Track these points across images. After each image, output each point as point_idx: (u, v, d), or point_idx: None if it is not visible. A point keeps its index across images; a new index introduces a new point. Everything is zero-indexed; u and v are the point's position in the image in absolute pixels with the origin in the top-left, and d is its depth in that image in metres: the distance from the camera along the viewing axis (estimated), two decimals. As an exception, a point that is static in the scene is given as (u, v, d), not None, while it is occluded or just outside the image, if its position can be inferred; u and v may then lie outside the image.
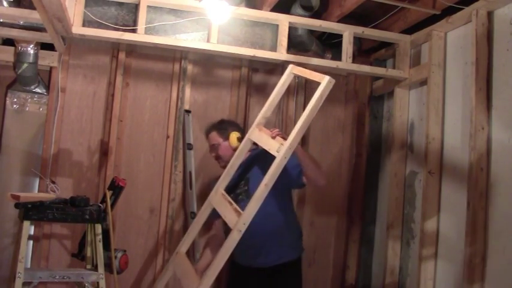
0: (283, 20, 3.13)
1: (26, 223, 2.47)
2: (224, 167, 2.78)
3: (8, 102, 3.24)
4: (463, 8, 2.81)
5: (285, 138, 2.47)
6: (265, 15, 3.11)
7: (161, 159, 3.41)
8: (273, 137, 2.54)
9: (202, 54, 3.35)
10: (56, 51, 3.15)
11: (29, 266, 3.04)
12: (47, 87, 3.26)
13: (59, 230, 3.23)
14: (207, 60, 3.51)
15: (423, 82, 3.24)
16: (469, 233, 2.57)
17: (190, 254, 3.34)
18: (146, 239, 3.38)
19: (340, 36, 3.28)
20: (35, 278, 2.52)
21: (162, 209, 3.39)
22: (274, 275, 2.73)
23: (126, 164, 3.36)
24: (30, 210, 2.48)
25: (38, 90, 3.24)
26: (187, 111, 3.45)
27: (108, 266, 2.65)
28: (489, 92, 2.67)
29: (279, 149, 2.43)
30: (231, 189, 2.75)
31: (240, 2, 3.06)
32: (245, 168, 2.79)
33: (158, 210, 3.39)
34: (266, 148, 2.56)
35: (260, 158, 2.75)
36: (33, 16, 2.60)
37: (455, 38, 3.03)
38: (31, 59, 3.04)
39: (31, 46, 3.03)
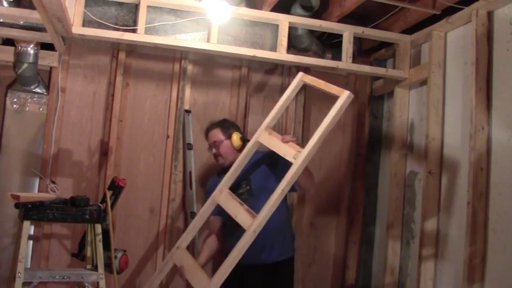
0: (283, 20, 3.13)
1: (26, 223, 2.47)
2: (223, 164, 2.83)
3: (8, 102, 3.24)
4: (463, 8, 2.81)
5: (299, 145, 2.52)
6: (265, 15, 3.11)
7: (161, 159, 3.41)
8: (285, 142, 2.57)
9: (202, 54, 3.35)
10: (56, 51, 3.15)
11: (29, 266, 3.04)
12: (47, 87, 3.26)
13: (59, 230, 3.23)
14: (207, 60, 3.51)
15: (423, 82, 3.24)
16: (469, 233, 2.57)
17: (190, 253, 3.34)
18: (146, 239, 3.37)
19: (340, 36, 3.28)
20: (35, 278, 2.51)
21: (162, 209, 3.39)
22: (273, 271, 2.78)
23: (126, 164, 3.36)
24: (30, 210, 2.48)
25: (38, 90, 3.24)
26: (187, 111, 3.45)
27: (108, 266, 2.65)
28: (489, 92, 2.67)
29: (296, 156, 2.47)
30: (232, 189, 2.76)
31: (240, 2, 3.06)
32: (245, 169, 2.80)
33: (158, 210, 3.39)
34: (280, 153, 2.59)
35: (262, 160, 2.79)
36: (33, 16, 2.60)
37: (455, 38, 3.03)
38: (31, 59, 3.04)
39: (31, 46, 3.03)
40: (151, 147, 3.42)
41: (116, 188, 2.77)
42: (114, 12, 2.95)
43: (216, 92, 3.56)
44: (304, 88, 3.66)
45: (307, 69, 3.39)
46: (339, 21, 3.20)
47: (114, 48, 3.36)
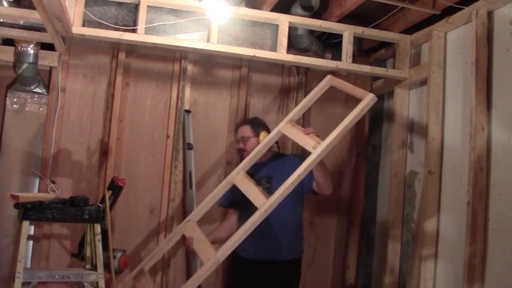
0: (283, 20, 3.12)
1: (25, 223, 2.47)
2: (243, 159, 2.92)
3: (8, 102, 3.24)
4: (463, 8, 2.81)
5: (319, 137, 2.65)
6: (265, 15, 3.11)
7: (161, 159, 3.41)
8: (307, 134, 2.71)
9: (202, 54, 3.35)
10: (56, 51, 3.15)
11: (29, 266, 3.04)
12: (47, 87, 3.26)
13: (58, 230, 3.23)
14: (207, 60, 3.51)
15: (423, 82, 3.24)
16: (469, 233, 2.57)
17: (191, 253, 3.34)
18: (146, 239, 3.37)
19: (340, 36, 3.27)
20: (35, 278, 2.52)
21: (162, 209, 3.39)
22: (284, 269, 2.87)
23: (126, 164, 3.36)
24: (30, 210, 2.48)
25: (38, 90, 3.24)
26: (187, 111, 3.45)
27: (107, 266, 2.65)
28: (489, 92, 2.67)
29: (315, 146, 2.60)
30: (253, 182, 2.85)
31: (240, 2, 3.06)
32: (268, 168, 2.93)
33: (158, 210, 3.39)
34: (300, 143, 2.73)
35: (285, 163, 2.91)
36: (33, 16, 2.60)
37: (455, 38, 3.03)
38: (31, 59, 3.04)
39: (31, 46, 3.04)
40: (151, 147, 3.42)
41: (116, 188, 2.77)
42: (114, 12, 2.95)
43: (216, 92, 3.56)
44: (305, 89, 3.67)
45: (333, 72, 3.33)
46: (339, 21, 3.19)
47: (114, 48, 3.36)
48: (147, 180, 3.39)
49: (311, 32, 3.32)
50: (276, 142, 3.08)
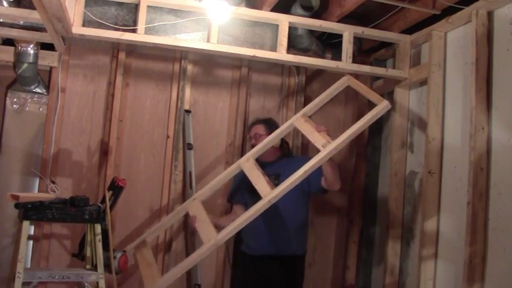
0: (283, 20, 3.12)
1: (26, 223, 2.47)
2: (253, 146, 3.06)
3: (8, 102, 3.24)
4: (463, 8, 2.81)
5: (330, 136, 2.75)
6: (265, 15, 3.11)
7: (161, 159, 3.42)
8: (319, 131, 2.81)
9: (202, 54, 3.35)
10: (56, 51, 3.15)
11: (29, 266, 3.04)
12: (47, 87, 3.26)
13: (59, 230, 3.23)
14: (207, 60, 3.51)
15: (423, 82, 3.24)
16: (469, 233, 2.57)
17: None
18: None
19: (340, 36, 3.27)
20: (35, 278, 2.51)
21: (162, 209, 3.39)
22: (289, 265, 2.96)
23: (126, 164, 3.36)
24: (30, 210, 2.48)
25: (38, 90, 3.24)
26: (187, 111, 3.45)
27: (107, 267, 2.65)
28: (489, 92, 2.67)
29: (325, 145, 2.70)
30: None
31: (240, 2, 3.06)
32: (276, 166, 3.01)
33: (158, 210, 3.39)
34: (311, 139, 2.84)
35: (294, 162, 2.95)
36: (33, 16, 2.60)
37: (455, 38, 3.03)
38: (31, 59, 3.04)
39: (31, 46, 3.03)
40: (151, 147, 3.42)
41: (116, 188, 2.77)
42: (114, 12, 2.95)
43: (216, 92, 3.56)
44: (305, 89, 3.67)
45: (351, 74, 3.34)
46: (339, 21, 3.19)
47: (114, 48, 3.36)
48: (147, 180, 3.39)
49: (311, 32, 3.32)
50: (287, 143, 3.21)
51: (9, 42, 3.09)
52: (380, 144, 3.77)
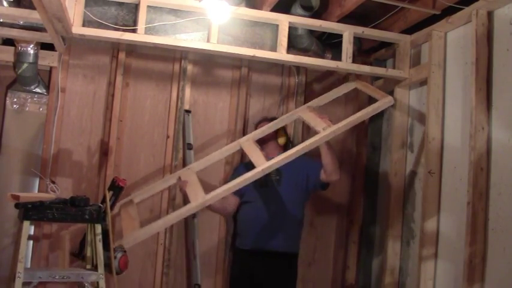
0: (283, 20, 3.12)
1: (26, 223, 2.46)
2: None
3: (8, 102, 3.24)
4: (463, 8, 2.81)
5: (331, 121, 2.93)
6: (265, 15, 3.11)
7: (161, 159, 3.41)
8: (321, 118, 2.98)
9: (202, 54, 3.35)
10: (56, 51, 3.15)
11: (29, 266, 3.03)
12: (47, 87, 3.26)
13: (59, 230, 3.22)
14: (207, 60, 3.51)
15: (423, 82, 3.24)
16: (469, 233, 2.57)
17: (191, 253, 3.34)
18: (146, 239, 3.36)
19: (340, 36, 3.27)
20: (35, 277, 2.51)
21: (162, 209, 3.38)
22: (280, 261, 3.05)
23: (126, 164, 3.36)
24: (30, 210, 2.47)
25: (38, 90, 3.24)
26: (187, 111, 3.45)
27: (107, 266, 2.64)
28: (489, 92, 2.67)
29: (325, 128, 2.86)
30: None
31: (240, 2, 3.06)
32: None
33: (158, 210, 3.39)
34: (312, 124, 3.02)
35: (295, 159, 2.99)
36: (33, 16, 2.60)
37: (455, 38, 3.03)
38: (31, 59, 3.04)
39: (31, 46, 3.03)
40: (151, 147, 3.42)
41: (116, 188, 2.76)
42: (114, 12, 2.95)
43: (216, 92, 3.56)
44: (305, 88, 3.67)
45: (357, 75, 3.47)
46: (339, 21, 3.19)
47: (114, 48, 3.36)
48: (147, 180, 3.39)
49: (311, 32, 3.32)
50: (291, 142, 3.36)
51: (9, 42, 3.09)
52: (380, 144, 3.77)
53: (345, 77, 3.74)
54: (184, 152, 3.42)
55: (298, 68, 3.64)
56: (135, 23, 2.94)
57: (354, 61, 3.22)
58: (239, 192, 3.13)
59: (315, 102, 3.33)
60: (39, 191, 3.17)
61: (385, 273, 3.34)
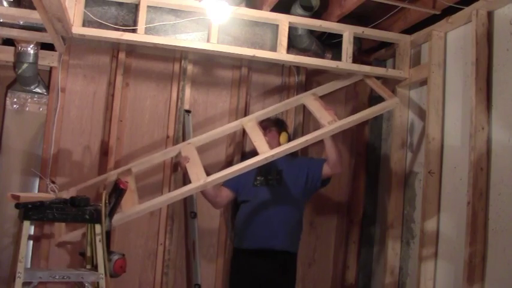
0: (283, 20, 3.12)
1: (26, 223, 2.47)
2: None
3: (8, 102, 3.24)
4: (463, 8, 2.81)
5: (336, 116, 2.97)
6: (265, 15, 3.11)
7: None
8: (326, 110, 3.00)
9: (202, 54, 3.35)
10: (56, 51, 3.15)
11: (29, 266, 3.03)
12: (47, 87, 3.26)
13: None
14: (207, 60, 3.51)
15: (423, 82, 3.24)
16: (469, 233, 2.57)
17: (191, 253, 3.34)
18: (146, 239, 3.37)
19: (340, 36, 3.27)
20: (35, 278, 2.51)
21: (162, 209, 3.38)
22: (280, 260, 3.06)
23: (126, 164, 3.35)
24: (30, 210, 2.47)
25: (38, 90, 3.24)
26: (187, 111, 3.45)
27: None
28: (489, 92, 2.67)
29: (331, 122, 2.89)
30: (263, 173, 3.15)
31: (240, 2, 3.06)
32: (280, 162, 3.10)
33: (158, 210, 3.39)
34: (317, 114, 3.04)
35: (296, 160, 3.20)
36: (33, 16, 2.59)
37: (455, 38, 3.03)
38: (31, 59, 3.04)
39: (31, 46, 3.03)
40: (151, 147, 3.41)
41: (117, 190, 2.75)
42: (114, 12, 2.95)
43: (216, 92, 3.56)
44: (305, 89, 3.67)
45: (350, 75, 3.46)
46: (339, 21, 3.19)
47: (114, 48, 3.36)
48: (147, 180, 3.38)
49: (311, 32, 3.32)
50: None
51: (9, 42, 3.09)
52: (380, 144, 3.77)
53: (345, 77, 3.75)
54: (184, 152, 3.41)
55: (298, 68, 3.64)
56: (135, 23, 2.94)
57: (354, 61, 3.22)
58: (234, 188, 3.17)
59: (320, 89, 3.35)
60: (39, 191, 3.17)
61: (385, 273, 3.34)
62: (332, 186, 3.68)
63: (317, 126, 3.15)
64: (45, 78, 3.27)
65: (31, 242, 3.13)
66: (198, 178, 2.68)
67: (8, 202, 2.52)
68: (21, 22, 2.85)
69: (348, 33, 3.21)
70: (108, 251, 2.62)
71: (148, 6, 2.93)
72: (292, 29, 3.19)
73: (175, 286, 3.36)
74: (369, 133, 3.77)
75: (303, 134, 3.57)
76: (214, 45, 3.02)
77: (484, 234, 2.58)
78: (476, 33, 2.68)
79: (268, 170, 3.17)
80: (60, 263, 3.20)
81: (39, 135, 3.25)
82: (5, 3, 2.71)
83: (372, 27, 3.31)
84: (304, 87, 3.67)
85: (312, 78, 3.70)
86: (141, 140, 3.41)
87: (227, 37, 3.11)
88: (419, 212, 3.15)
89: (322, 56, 3.41)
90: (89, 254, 2.74)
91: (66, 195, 2.81)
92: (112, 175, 3.08)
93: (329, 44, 3.52)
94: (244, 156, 3.40)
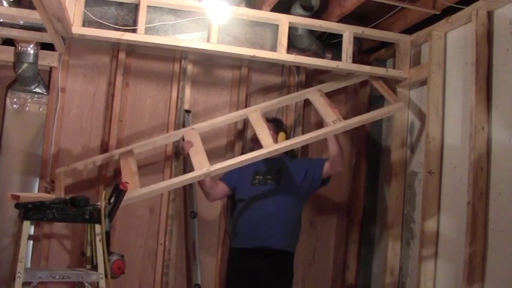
0: (283, 20, 3.12)
1: (26, 223, 2.47)
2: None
3: (8, 102, 3.24)
4: (463, 8, 2.81)
5: (341, 114, 2.99)
6: (265, 15, 3.11)
7: (161, 159, 3.41)
8: (332, 108, 3.02)
9: (202, 54, 3.35)
10: (56, 51, 3.15)
11: (29, 266, 3.04)
12: (47, 87, 3.26)
13: (59, 230, 3.22)
14: (207, 60, 3.51)
15: (423, 82, 3.24)
16: (469, 233, 2.57)
17: (191, 253, 3.34)
18: (146, 239, 3.37)
19: (340, 36, 3.27)
20: (35, 278, 2.51)
21: (162, 209, 3.38)
22: (278, 260, 3.06)
23: (126, 164, 3.36)
24: (30, 210, 2.47)
25: (38, 90, 3.24)
26: (187, 111, 3.45)
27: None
28: (489, 92, 2.67)
29: (336, 121, 2.91)
30: (262, 172, 3.17)
31: (240, 2, 3.06)
32: (279, 162, 3.18)
33: (158, 210, 3.39)
34: (322, 112, 3.05)
35: (295, 161, 3.22)
36: (33, 16, 2.59)
37: (455, 38, 3.03)
38: (31, 59, 3.04)
39: (31, 46, 3.03)
40: (152, 147, 3.41)
41: (117, 191, 2.75)
42: (114, 12, 2.95)
43: (216, 92, 3.56)
44: (305, 88, 3.66)
45: (351, 74, 3.51)
46: (339, 21, 3.19)
47: (114, 48, 3.36)
48: (147, 180, 3.38)
49: (311, 32, 3.32)
50: None
51: (9, 42, 3.09)
52: (380, 144, 3.77)
53: (345, 76, 3.74)
54: (184, 152, 3.41)
55: (298, 68, 3.64)
56: (135, 23, 2.94)
57: (354, 61, 3.22)
58: (232, 185, 3.18)
59: (326, 86, 3.37)
60: (39, 191, 3.17)
61: (385, 273, 3.34)
62: (332, 185, 3.68)
63: (317, 126, 3.16)
64: (45, 78, 3.27)
65: (31, 242, 3.13)
66: (201, 166, 2.65)
67: (8, 202, 2.53)
68: (21, 22, 2.85)
69: (348, 33, 3.21)
70: (108, 252, 2.62)
71: (148, 6, 2.93)
72: (292, 29, 3.19)
73: (175, 286, 3.36)
74: (369, 133, 3.77)
75: (303, 133, 3.58)
76: (214, 45, 3.02)
77: (484, 234, 2.58)
78: (476, 33, 2.68)
79: (267, 169, 3.18)
80: (60, 263, 3.20)
81: (39, 135, 3.25)
82: (5, 3, 2.71)
83: (372, 27, 3.31)
84: (304, 87, 3.67)
85: (312, 78, 3.70)
86: (141, 140, 3.40)
87: (227, 37, 3.11)
88: (419, 212, 3.15)
89: (322, 56, 3.41)
90: (88, 254, 2.74)
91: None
92: (114, 154, 3.10)
93: (329, 44, 3.52)
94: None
